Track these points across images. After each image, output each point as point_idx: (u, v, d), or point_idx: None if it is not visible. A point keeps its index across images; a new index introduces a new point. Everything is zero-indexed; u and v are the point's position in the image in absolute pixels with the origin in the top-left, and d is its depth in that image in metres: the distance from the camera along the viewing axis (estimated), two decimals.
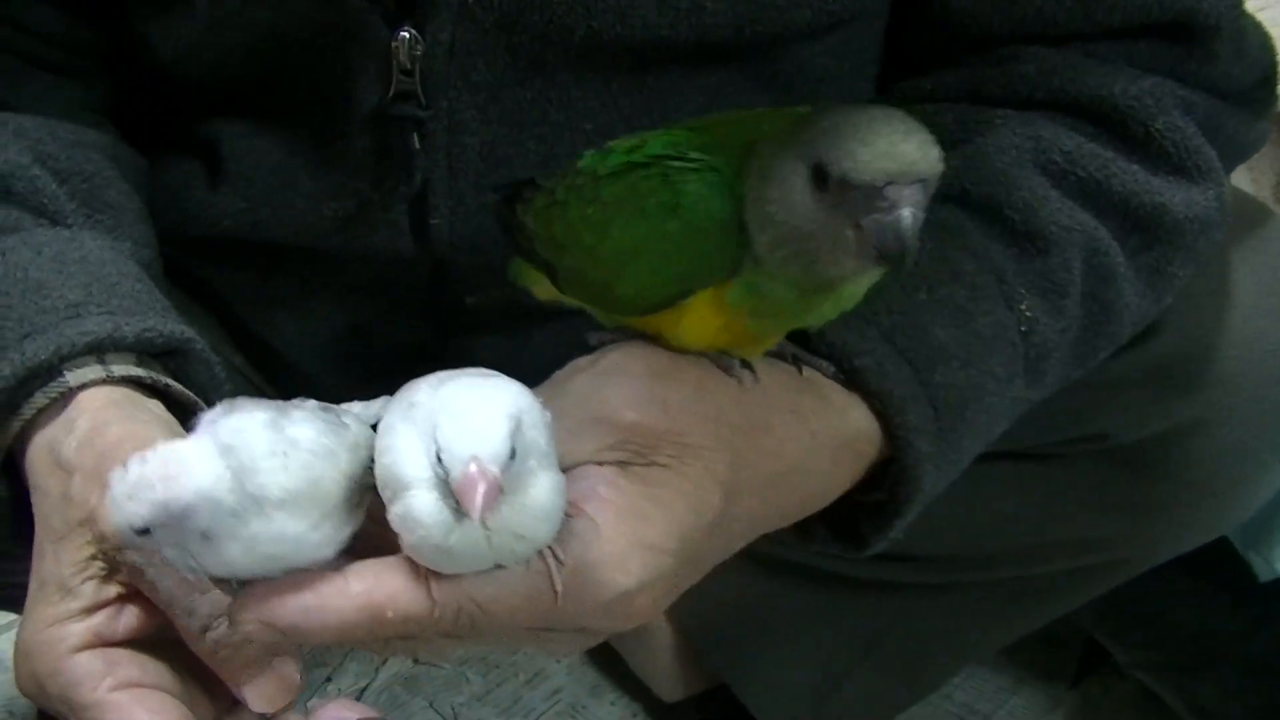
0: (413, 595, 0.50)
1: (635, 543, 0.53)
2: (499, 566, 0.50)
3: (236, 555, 0.49)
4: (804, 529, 0.65)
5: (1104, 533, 0.85)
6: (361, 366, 0.81)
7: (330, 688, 1.17)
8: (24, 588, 0.93)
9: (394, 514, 0.49)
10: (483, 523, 0.47)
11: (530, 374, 0.56)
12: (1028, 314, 0.64)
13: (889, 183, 0.49)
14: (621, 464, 0.55)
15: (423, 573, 0.50)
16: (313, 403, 0.53)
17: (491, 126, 0.70)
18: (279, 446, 0.49)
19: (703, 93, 0.71)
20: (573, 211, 0.59)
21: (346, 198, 0.73)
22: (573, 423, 0.55)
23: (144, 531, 0.47)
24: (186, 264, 0.82)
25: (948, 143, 0.68)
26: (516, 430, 0.47)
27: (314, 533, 0.49)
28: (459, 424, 0.47)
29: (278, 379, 0.86)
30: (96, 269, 0.64)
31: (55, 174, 0.69)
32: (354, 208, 0.73)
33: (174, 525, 0.47)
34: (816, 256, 0.52)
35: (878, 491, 0.63)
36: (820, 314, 0.56)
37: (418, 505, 0.48)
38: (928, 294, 0.62)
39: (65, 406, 0.58)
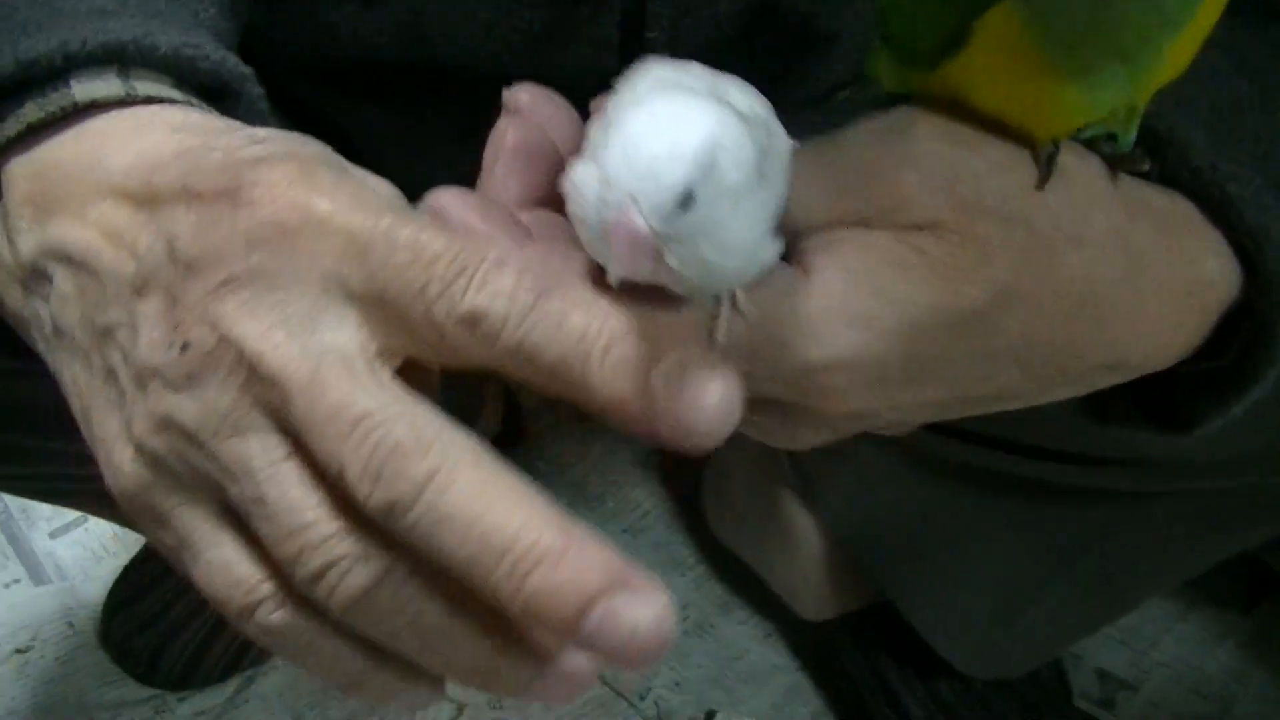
0: None
1: (840, 310, 0.42)
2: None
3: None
4: (1098, 406, 0.53)
5: None
6: None
7: None
8: (54, 478, 0.81)
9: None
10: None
11: None
12: None
13: None
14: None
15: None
16: None
17: None
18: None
19: None
20: None
21: (542, 5, 0.60)
22: (842, 179, 0.44)
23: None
24: (315, 99, 0.69)
25: None
26: (706, 171, 0.37)
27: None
28: (629, 155, 0.37)
29: None
30: None
31: None
32: (552, 17, 0.60)
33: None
34: None
35: (1211, 359, 0.50)
36: (1135, 25, 0.41)
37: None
38: None
39: (64, 131, 0.43)
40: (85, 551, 1.16)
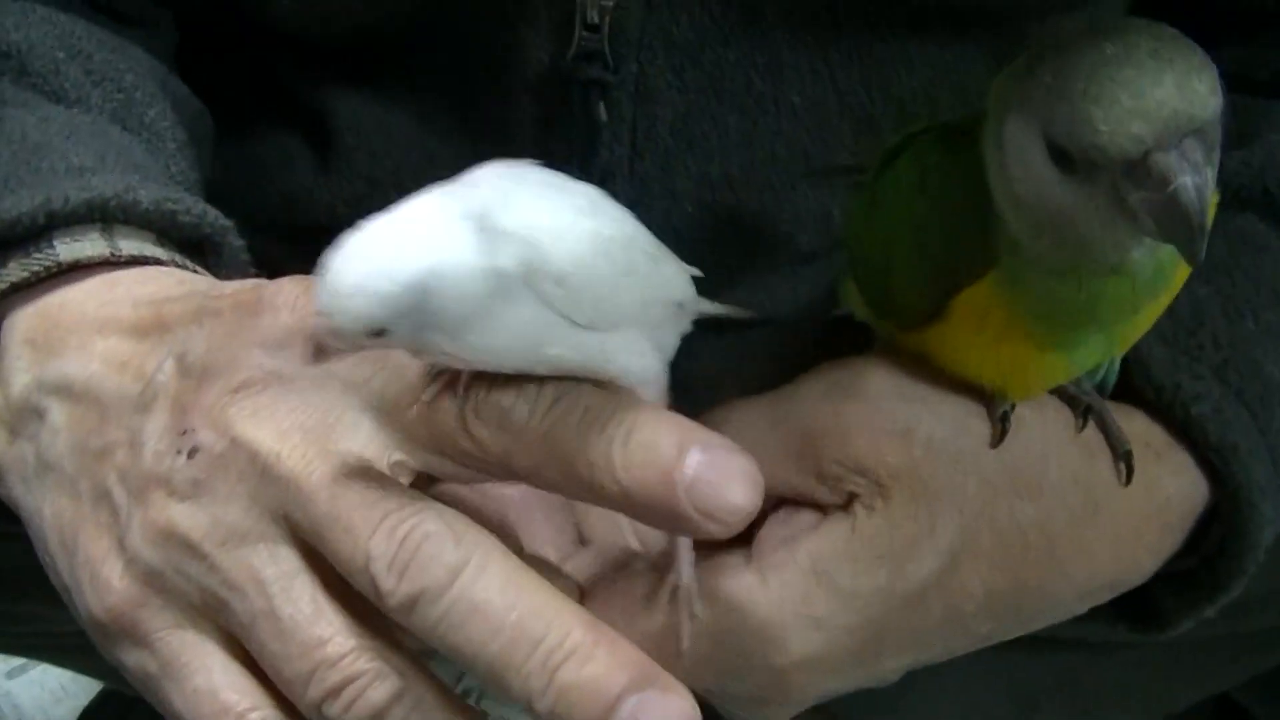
0: None
1: (797, 614, 0.42)
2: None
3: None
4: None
5: None
6: None
7: None
8: (29, 636, 0.80)
9: None
10: None
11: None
12: None
13: (1149, 149, 0.36)
14: (832, 506, 0.44)
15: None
16: None
17: (687, 95, 0.59)
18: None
19: (931, 68, 0.61)
20: (857, 213, 0.49)
21: None
22: (794, 442, 0.44)
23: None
24: (271, 261, 0.70)
25: (1231, 140, 0.58)
26: (402, 311, 0.35)
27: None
28: (334, 273, 0.36)
29: None
30: (119, 146, 0.49)
31: (87, 72, 0.54)
32: None
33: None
34: (1087, 244, 0.40)
35: (1186, 559, 0.52)
36: (1126, 307, 0.43)
37: None
38: (1255, 322, 0.51)
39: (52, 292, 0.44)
40: (44, 692, 1.13)
